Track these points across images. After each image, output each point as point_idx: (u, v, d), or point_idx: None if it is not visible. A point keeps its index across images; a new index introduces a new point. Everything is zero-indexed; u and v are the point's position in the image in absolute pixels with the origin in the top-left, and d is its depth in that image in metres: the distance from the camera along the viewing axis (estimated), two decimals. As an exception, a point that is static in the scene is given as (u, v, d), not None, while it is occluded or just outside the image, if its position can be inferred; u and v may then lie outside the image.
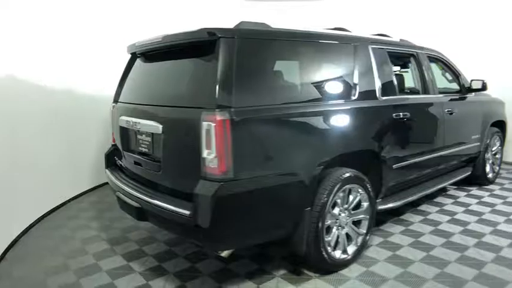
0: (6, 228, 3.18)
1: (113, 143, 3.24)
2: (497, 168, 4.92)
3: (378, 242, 3.22)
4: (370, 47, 3.05)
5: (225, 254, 2.31)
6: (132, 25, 4.88)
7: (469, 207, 4.02)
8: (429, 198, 4.24)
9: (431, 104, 3.63)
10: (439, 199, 4.29)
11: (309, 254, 2.56)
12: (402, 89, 3.76)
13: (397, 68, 4.37)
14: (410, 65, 3.74)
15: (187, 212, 2.13)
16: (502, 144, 4.94)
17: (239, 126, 2.10)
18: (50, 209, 3.99)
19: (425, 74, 3.66)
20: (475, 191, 4.59)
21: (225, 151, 2.06)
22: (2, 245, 3.09)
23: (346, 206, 2.75)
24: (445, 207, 4.03)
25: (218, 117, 2.05)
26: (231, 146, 2.07)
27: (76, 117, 4.35)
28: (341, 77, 2.82)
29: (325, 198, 2.52)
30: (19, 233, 3.41)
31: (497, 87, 5.25)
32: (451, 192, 4.56)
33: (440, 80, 4.40)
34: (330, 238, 2.64)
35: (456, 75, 4.20)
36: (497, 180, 4.94)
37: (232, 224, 2.18)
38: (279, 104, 2.35)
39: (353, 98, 2.82)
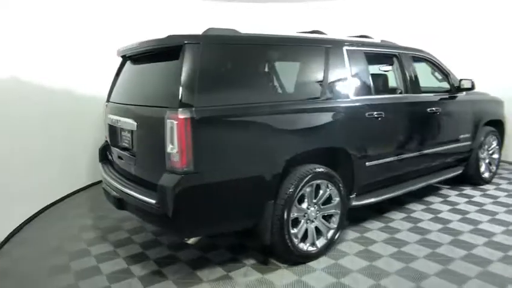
0: (10, 217, 3.50)
1: (106, 139, 3.52)
2: (494, 168, 4.86)
3: (354, 236, 3.32)
4: (344, 49, 3.16)
5: (191, 241, 2.52)
6: (129, 29, 5.07)
7: (456, 206, 4.03)
8: (418, 197, 4.26)
9: (410, 104, 3.68)
10: (429, 198, 4.30)
11: (274, 244, 2.72)
12: (386, 89, 3.83)
13: (388, 68, 4.44)
14: (392, 65, 3.79)
15: (153, 201, 2.36)
16: (500, 144, 4.87)
17: (199, 124, 2.29)
18: (52, 201, 4.31)
19: (407, 74, 3.70)
20: (468, 190, 4.56)
21: (186, 146, 2.26)
22: (6, 231, 3.42)
23: (315, 200, 2.89)
24: (432, 206, 4.05)
25: (180, 116, 2.25)
26: (192, 142, 2.26)
27: (76, 117, 4.60)
28: (310, 77, 2.96)
29: (291, 192, 2.66)
30: (23, 220, 3.73)
31: (497, 86, 5.21)
32: (443, 191, 4.55)
33: (433, 80, 4.43)
34: (296, 230, 2.78)
35: (445, 75, 4.20)
36: (495, 180, 4.88)
37: (193, 213, 2.37)
38: (243, 104, 2.52)
39: (322, 97, 2.94)
